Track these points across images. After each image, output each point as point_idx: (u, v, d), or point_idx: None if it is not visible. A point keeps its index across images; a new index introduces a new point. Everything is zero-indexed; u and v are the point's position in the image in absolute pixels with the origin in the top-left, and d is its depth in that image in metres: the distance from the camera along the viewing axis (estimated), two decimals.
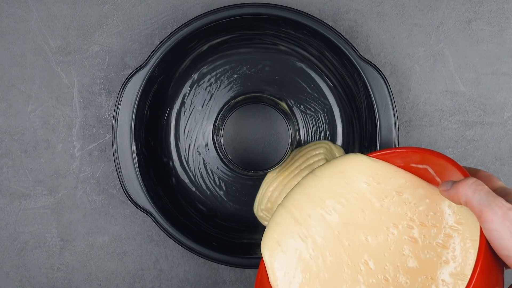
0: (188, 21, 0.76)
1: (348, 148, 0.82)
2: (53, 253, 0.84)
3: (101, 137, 0.83)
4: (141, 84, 0.77)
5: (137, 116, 0.77)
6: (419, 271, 0.61)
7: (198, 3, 0.82)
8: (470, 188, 0.55)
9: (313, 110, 0.82)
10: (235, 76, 0.82)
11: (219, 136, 0.79)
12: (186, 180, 0.82)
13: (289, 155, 0.80)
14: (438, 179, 0.63)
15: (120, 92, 0.76)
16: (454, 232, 0.61)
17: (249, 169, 0.79)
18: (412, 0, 0.83)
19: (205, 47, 0.80)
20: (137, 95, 0.77)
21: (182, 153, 0.82)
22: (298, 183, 0.67)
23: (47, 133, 0.83)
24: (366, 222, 0.63)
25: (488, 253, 0.53)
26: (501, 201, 0.54)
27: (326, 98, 0.82)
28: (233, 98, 0.81)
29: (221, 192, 0.82)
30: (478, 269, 0.52)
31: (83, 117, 0.83)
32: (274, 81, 0.81)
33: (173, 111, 0.82)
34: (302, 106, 0.82)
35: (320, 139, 0.82)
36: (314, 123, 0.82)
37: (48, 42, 0.83)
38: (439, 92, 0.83)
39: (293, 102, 0.82)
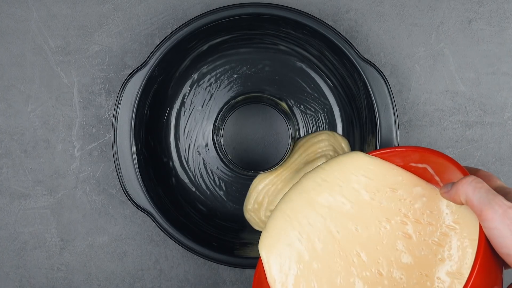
0: (188, 21, 0.76)
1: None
2: (53, 253, 0.83)
3: (101, 137, 0.83)
4: (141, 84, 0.76)
5: (137, 116, 0.77)
6: (414, 267, 0.61)
7: (198, 3, 0.82)
8: (470, 186, 0.55)
9: (313, 110, 0.82)
10: (235, 76, 0.82)
11: (219, 136, 0.79)
12: (186, 180, 0.82)
13: (289, 155, 0.80)
14: (437, 179, 0.63)
15: (120, 92, 0.76)
16: (451, 231, 0.61)
17: (249, 169, 0.79)
18: (412, 0, 0.83)
19: (205, 47, 0.80)
20: (137, 95, 0.77)
21: (182, 153, 0.82)
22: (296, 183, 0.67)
23: (47, 133, 0.83)
24: (354, 212, 0.63)
25: (487, 251, 0.53)
26: (501, 200, 0.54)
27: (326, 98, 0.82)
28: (233, 98, 0.81)
29: (221, 192, 0.82)
30: (477, 266, 0.52)
31: (83, 117, 0.83)
32: (274, 81, 0.81)
33: (173, 111, 0.82)
34: (302, 106, 0.82)
35: None
36: (314, 123, 0.82)
37: (48, 42, 0.83)
38: (439, 92, 0.83)
39: (293, 102, 0.81)
